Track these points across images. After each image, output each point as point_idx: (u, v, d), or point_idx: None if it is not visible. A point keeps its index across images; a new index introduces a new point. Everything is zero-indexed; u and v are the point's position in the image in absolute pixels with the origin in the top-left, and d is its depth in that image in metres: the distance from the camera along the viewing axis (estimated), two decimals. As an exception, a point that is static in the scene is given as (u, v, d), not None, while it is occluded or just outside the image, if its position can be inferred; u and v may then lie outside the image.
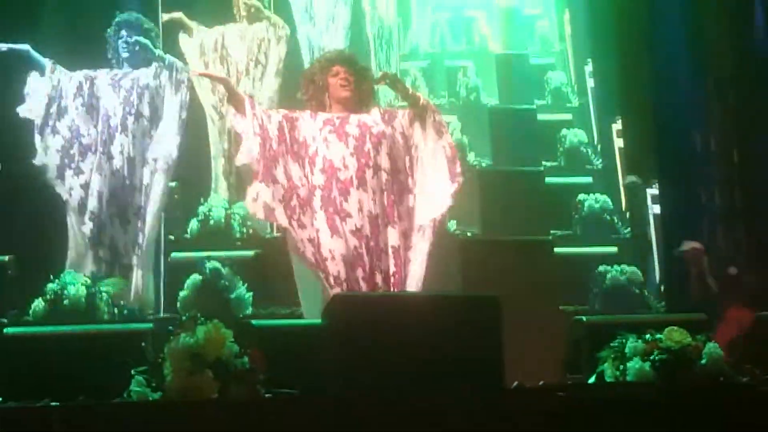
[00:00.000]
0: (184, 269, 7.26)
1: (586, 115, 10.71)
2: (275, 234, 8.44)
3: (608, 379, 4.95)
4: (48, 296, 6.63)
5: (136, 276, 7.23)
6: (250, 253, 7.84)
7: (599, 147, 10.03)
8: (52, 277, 6.72)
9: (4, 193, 7.21)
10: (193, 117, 7.58)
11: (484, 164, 9.81)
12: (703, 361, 4.89)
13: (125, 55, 7.27)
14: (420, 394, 4.38)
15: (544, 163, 9.78)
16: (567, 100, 11.46)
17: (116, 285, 7.23)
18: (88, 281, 6.73)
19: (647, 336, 4.97)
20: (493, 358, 4.60)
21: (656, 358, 4.88)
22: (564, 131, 10.25)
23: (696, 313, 5.63)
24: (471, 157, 9.90)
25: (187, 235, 8.22)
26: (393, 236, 5.69)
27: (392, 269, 5.68)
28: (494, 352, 4.61)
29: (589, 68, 10.68)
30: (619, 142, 9.20)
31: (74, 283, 6.66)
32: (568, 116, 10.89)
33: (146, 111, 7.22)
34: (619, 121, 9.08)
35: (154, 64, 7.27)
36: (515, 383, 4.85)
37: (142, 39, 7.26)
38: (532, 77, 11.60)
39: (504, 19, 12.62)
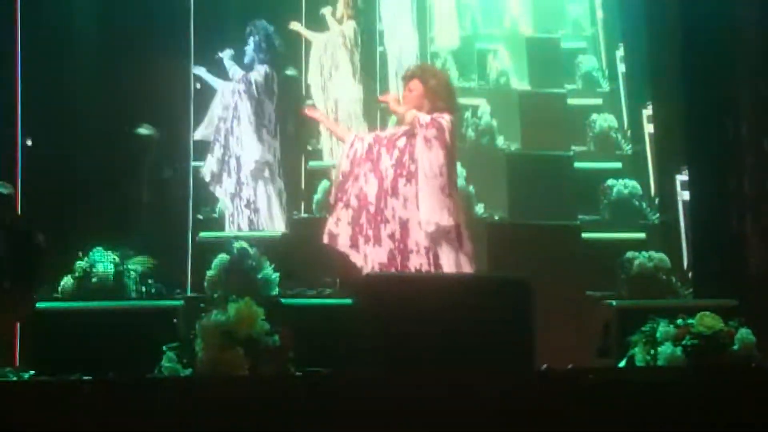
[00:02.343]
0: (212, 249, 7.27)
1: (616, 100, 10.61)
2: (302, 215, 8.50)
3: (639, 364, 4.93)
4: (77, 273, 6.67)
5: None
6: (278, 233, 7.85)
7: (629, 132, 9.95)
8: (80, 254, 6.75)
9: (34, 170, 7.22)
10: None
11: (513, 148, 9.78)
12: (735, 347, 4.87)
13: (261, 56, 8.22)
14: (450, 372, 4.37)
15: (573, 147, 9.72)
16: (597, 85, 11.37)
17: (144, 263, 7.26)
18: (117, 259, 6.76)
19: (679, 321, 4.96)
20: (523, 339, 4.60)
21: (688, 343, 4.86)
22: (594, 116, 10.19)
23: (727, 299, 5.60)
24: (500, 140, 9.87)
25: (216, 215, 8.25)
26: (422, 237, 5.81)
27: (425, 268, 5.78)
28: (525, 333, 4.61)
29: (620, 53, 10.58)
30: (649, 128, 9.13)
31: (102, 261, 6.69)
32: (599, 101, 10.81)
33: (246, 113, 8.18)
34: (650, 107, 9.01)
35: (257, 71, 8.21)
36: (544, 366, 4.84)
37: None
38: (562, 61, 11.53)
39: (535, 2, 12.51)
